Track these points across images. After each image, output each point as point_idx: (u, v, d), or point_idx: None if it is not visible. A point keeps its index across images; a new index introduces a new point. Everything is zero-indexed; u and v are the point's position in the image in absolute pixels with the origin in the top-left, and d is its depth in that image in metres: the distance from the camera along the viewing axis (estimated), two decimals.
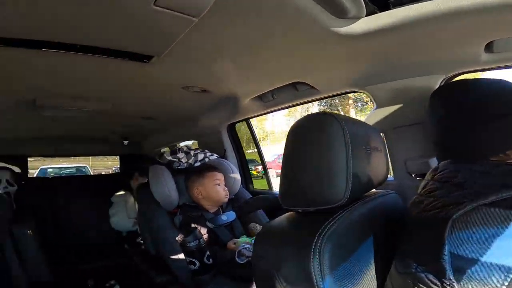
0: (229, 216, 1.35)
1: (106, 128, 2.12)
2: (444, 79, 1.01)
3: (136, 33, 0.75)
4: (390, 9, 0.72)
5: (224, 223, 1.31)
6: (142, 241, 1.69)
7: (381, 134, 1.16)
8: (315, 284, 0.46)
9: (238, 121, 1.75)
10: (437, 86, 1.01)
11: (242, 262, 1.12)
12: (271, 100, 1.39)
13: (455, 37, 0.80)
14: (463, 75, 1.03)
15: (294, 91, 1.29)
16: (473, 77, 0.78)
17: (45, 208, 2.28)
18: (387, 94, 1.08)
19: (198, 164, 1.39)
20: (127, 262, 1.87)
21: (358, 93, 1.25)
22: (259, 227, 1.42)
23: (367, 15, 0.74)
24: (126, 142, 2.42)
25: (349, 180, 0.54)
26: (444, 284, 0.45)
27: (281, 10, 0.68)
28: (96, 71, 1.02)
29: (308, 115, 0.62)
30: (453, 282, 0.45)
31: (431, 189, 0.57)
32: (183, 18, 0.68)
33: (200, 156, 1.41)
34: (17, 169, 2.16)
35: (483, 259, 0.44)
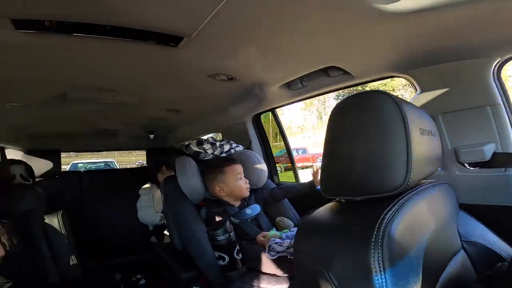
0: (253, 209, 1.28)
1: (133, 123, 2.14)
2: (498, 61, 0.90)
3: (166, 10, 0.71)
4: None
5: (249, 217, 1.25)
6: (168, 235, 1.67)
7: None
8: (373, 280, 0.40)
9: (264, 112, 1.69)
10: (491, 69, 0.90)
11: (272, 258, 1.05)
12: (299, 88, 1.32)
13: None
14: None
15: (325, 77, 1.20)
16: None
17: (76, 201, 2.34)
18: (433, 78, 0.98)
19: (224, 155, 1.34)
20: (153, 256, 1.86)
21: None
22: (287, 221, 1.35)
23: None
24: (151, 136, 2.44)
25: (410, 166, 0.48)
26: None
27: None
28: (124, 58, 1.00)
29: (354, 94, 0.55)
30: None
31: None
32: None
33: (226, 147, 1.36)
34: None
35: None
